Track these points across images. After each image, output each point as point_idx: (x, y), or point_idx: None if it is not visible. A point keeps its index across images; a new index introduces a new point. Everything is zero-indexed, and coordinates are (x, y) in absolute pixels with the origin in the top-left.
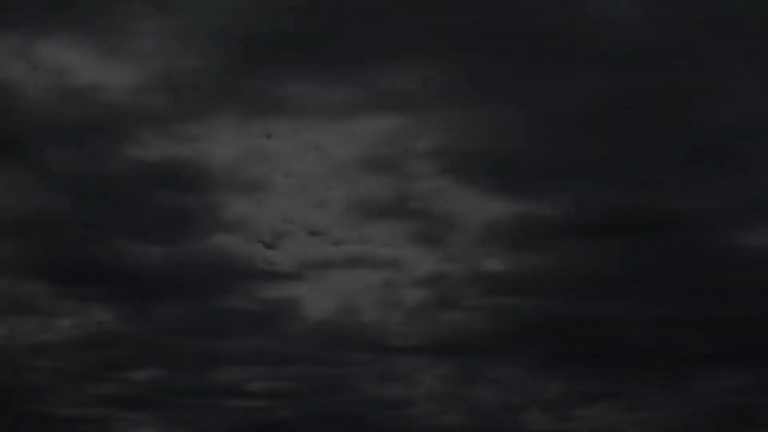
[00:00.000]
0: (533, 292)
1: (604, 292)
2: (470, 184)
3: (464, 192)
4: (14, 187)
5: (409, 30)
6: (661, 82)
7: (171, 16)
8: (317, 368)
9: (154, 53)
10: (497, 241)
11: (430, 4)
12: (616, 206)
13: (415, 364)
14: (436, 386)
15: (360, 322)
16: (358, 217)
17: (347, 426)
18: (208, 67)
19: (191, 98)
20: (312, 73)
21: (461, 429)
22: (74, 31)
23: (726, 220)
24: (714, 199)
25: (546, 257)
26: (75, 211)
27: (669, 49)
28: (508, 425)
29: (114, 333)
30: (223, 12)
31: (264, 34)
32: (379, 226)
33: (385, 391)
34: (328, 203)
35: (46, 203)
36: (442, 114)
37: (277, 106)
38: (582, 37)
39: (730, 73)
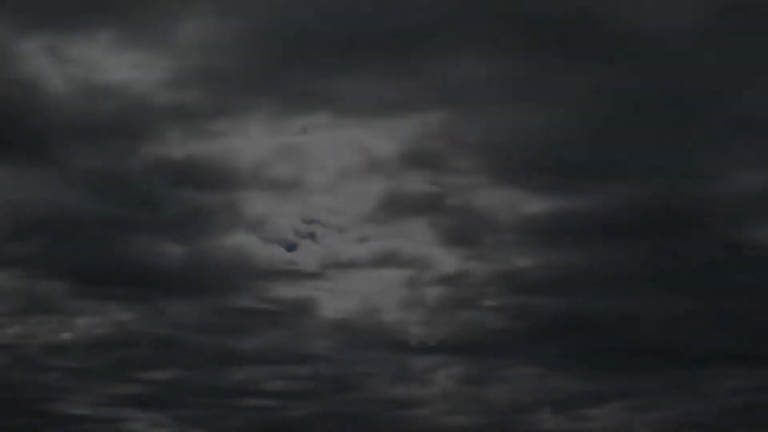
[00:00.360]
0: (557, 291)
1: (626, 290)
2: (509, 181)
3: (502, 189)
4: (35, 185)
5: (454, 29)
6: (696, 82)
7: (215, 11)
8: (333, 368)
9: (193, 48)
10: (529, 239)
11: (476, 4)
12: (645, 203)
13: (430, 364)
14: (450, 386)
15: (378, 321)
16: (389, 214)
17: (361, 425)
18: (248, 62)
19: (226, 94)
20: (356, 69)
21: (474, 428)
22: (107, 27)
23: (750, 216)
24: (741, 196)
25: (575, 255)
26: (96, 209)
27: (703, 50)
28: (521, 425)
29: (131, 333)
30: (268, 8)
31: (309, 30)
32: (411, 223)
33: (399, 390)
34: (361, 200)
35: (67, 201)
36: (485, 112)
37: (318, 101)
38: (620, 42)
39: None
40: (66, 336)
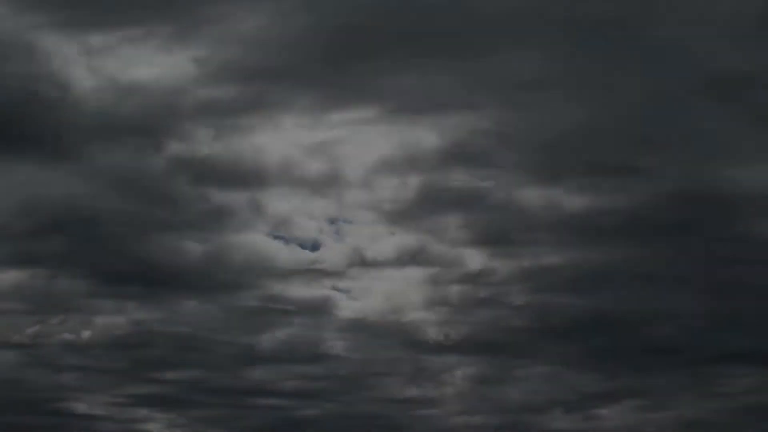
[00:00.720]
0: (580, 290)
1: (648, 289)
2: (548, 179)
3: (540, 187)
4: (57, 182)
5: (502, 28)
6: (738, 79)
7: (263, 7)
8: (350, 367)
9: (234, 44)
10: (562, 237)
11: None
12: (677, 202)
13: (446, 363)
14: (465, 386)
15: (398, 320)
16: (423, 211)
17: (375, 425)
18: (290, 58)
19: (263, 90)
20: (402, 65)
21: (487, 428)
22: (143, 24)
23: None
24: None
25: (604, 254)
26: (117, 207)
27: (746, 46)
28: (535, 424)
29: (150, 332)
30: (317, 4)
31: (357, 27)
32: (443, 220)
33: (414, 390)
34: (394, 197)
35: (88, 199)
36: (531, 109)
37: (361, 97)
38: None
39: None
40: (84, 335)
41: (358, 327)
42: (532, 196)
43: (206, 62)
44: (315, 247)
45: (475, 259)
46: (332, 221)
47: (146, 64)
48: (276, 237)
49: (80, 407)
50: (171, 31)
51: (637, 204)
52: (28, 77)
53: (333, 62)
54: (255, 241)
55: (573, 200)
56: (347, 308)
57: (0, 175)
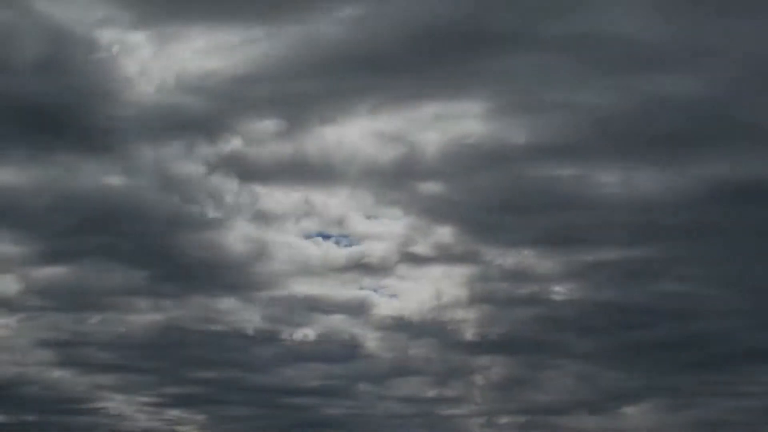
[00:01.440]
0: (621, 286)
1: (688, 286)
2: (624, 178)
3: (613, 185)
4: (100, 177)
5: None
6: None
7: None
8: (382, 365)
9: (309, 40)
10: (625, 234)
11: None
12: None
13: (478, 363)
14: (493, 385)
15: (435, 319)
16: (487, 208)
17: (397, 424)
18: (395, 49)
19: (335, 85)
20: (507, 63)
21: (511, 427)
22: (220, 13)
23: None
24: None
25: (661, 249)
26: (159, 204)
27: None
28: (560, 422)
29: (186, 330)
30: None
31: (465, 21)
32: (507, 217)
33: (444, 389)
34: (460, 195)
35: (130, 195)
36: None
37: (458, 91)
38: None
39: None
40: (121, 333)
41: (395, 325)
42: (602, 193)
43: (288, 53)
44: (361, 244)
45: (524, 256)
46: (383, 218)
47: (220, 56)
48: (324, 236)
49: (115, 407)
50: (250, 21)
51: (686, 201)
52: (89, 69)
53: (433, 55)
54: (299, 239)
55: (637, 198)
56: (386, 306)
57: (39, 169)
